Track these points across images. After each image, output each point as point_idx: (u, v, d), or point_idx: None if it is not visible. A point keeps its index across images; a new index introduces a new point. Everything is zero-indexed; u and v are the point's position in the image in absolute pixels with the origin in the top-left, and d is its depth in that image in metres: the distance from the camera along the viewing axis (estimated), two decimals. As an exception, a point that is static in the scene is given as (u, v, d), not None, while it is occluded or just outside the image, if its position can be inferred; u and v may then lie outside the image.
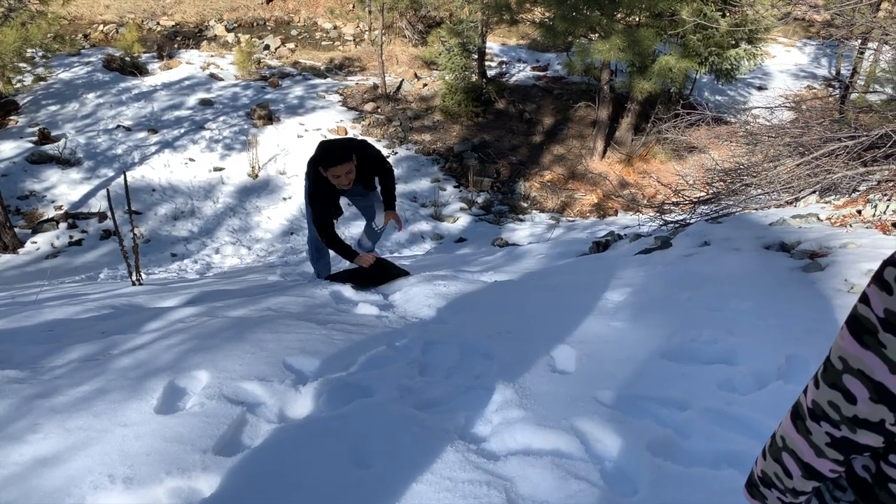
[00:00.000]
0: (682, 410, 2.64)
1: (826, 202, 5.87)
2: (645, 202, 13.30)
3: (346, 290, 4.56)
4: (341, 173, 4.40)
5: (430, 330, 3.58)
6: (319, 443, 2.36)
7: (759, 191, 6.81)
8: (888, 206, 4.82)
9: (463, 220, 13.43)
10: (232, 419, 2.48)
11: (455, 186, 14.81)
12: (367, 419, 2.53)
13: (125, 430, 2.38)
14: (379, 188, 5.00)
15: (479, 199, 14.43)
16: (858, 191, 5.89)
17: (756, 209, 6.37)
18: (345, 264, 5.51)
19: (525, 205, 14.58)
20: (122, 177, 7.36)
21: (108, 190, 7.40)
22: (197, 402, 2.61)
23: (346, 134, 15.81)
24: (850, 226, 4.73)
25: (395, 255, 11.28)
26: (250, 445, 2.36)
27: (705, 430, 2.48)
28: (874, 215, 4.85)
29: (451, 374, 3.02)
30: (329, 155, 4.39)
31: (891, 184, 5.61)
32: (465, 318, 3.78)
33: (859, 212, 5.06)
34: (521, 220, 13.90)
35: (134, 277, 6.75)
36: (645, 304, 3.86)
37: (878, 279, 0.88)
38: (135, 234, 7.13)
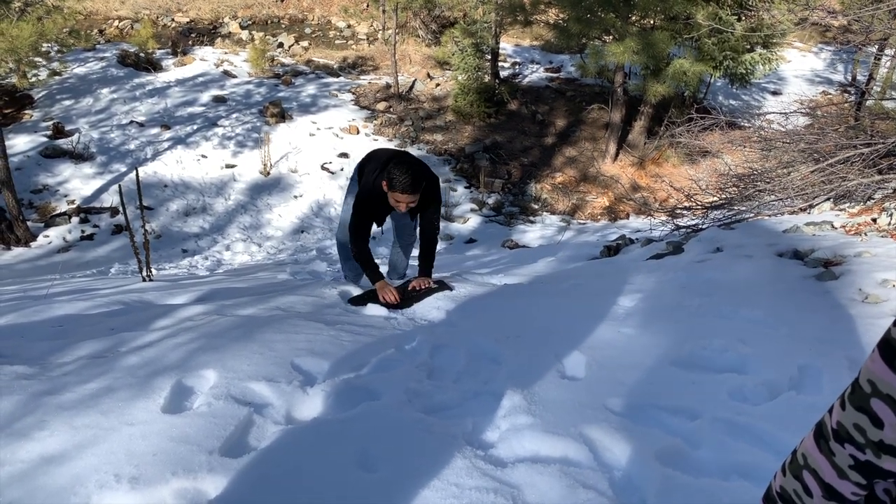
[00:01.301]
0: (692, 420, 2.61)
1: (841, 210, 5.82)
2: (657, 206, 13.25)
3: (353, 291, 4.54)
4: (404, 201, 4.08)
5: (439, 333, 3.56)
6: (326, 446, 2.35)
7: (773, 197, 6.76)
8: (904, 216, 4.77)
9: (473, 221, 13.42)
10: (239, 420, 2.47)
11: (466, 187, 14.80)
12: (374, 422, 2.51)
13: (132, 429, 2.37)
14: (418, 235, 4.67)
15: (490, 201, 14.42)
16: (874, 199, 5.84)
17: (769, 215, 6.32)
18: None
19: (536, 206, 14.56)
20: (135, 172, 7.38)
21: (119, 185, 7.43)
22: (204, 402, 2.60)
23: (357, 133, 15.83)
24: (865, 234, 4.68)
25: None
26: (257, 447, 2.35)
27: (715, 440, 2.45)
28: (890, 224, 4.80)
29: (460, 379, 3.00)
30: (402, 179, 4.00)
31: (906, 192, 5.56)
32: (473, 321, 3.76)
33: (874, 220, 5.01)
34: (532, 222, 13.87)
35: (144, 273, 6.76)
36: (655, 310, 3.83)
37: None
38: (146, 230, 7.15)
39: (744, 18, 14.44)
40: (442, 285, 4.42)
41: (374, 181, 4.29)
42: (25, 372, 2.84)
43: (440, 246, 12.32)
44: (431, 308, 4.06)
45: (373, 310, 4.08)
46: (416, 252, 4.96)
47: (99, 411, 2.48)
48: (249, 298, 4.50)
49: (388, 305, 4.17)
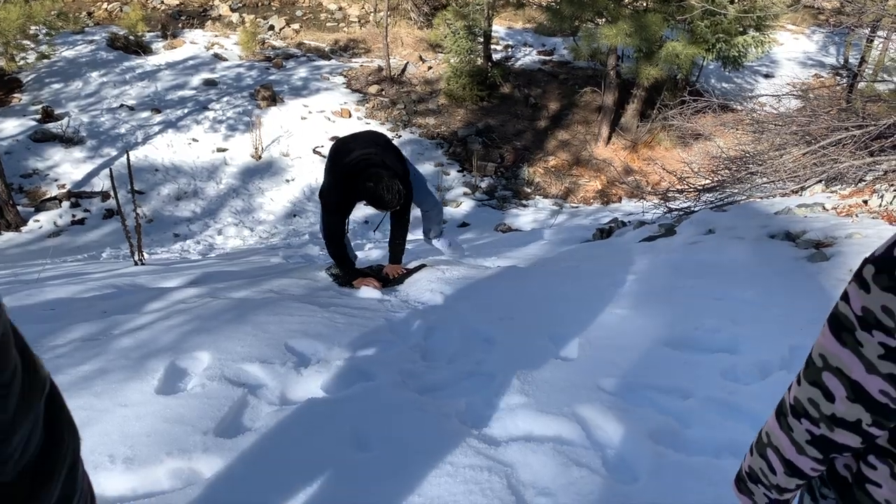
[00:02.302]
0: (685, 399, 2.63)
1: (832, 192, 5.84)
2: (649, 189, 13.26)
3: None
4: (379, 210, 4.18)
5: (433, 315, 3.57)
6: (320, 426, 2.35)
7: (765, 179, 6.78)
8: (895, 197, 4.79)
9: (466, 205, 13.40)
10: (233, 401, 2.47)
11: (459, 171, 14.76)
12: (368, 403, 2.52)
13: (126, 411, 2.37)
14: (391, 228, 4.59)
15: (483, 184, 14.39)
16: (865, 181, 5.86)
17: (761, 198, 6.34)
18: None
19: (529, 190, 14.54)
20: (126, 156, 7.34)
21: (111, 169, 7.39)
22: (198, 384, 2.60)
23: (349, 116, 15.75)
24: (857, 216, 4.70)
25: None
26: (251, 427, 2.36)
27: (707, 419, 2.47)
28: (881, 205, 4.82)
29: (453, 360, 3.01)
30: (388, 198, 4.00)
31: (898, 174, 5.57)
32: (467, 303, 3.76)
33: (865, 202, 5.03)
34: (525, 206, 13.86)
35: (136, 257, 6.74)
36: (648, 291, 3.84)
37: (858, 277, 0.88)
38: (137, 214, 7.12)
39: (736, 1, 14.40)
40: (416, 269, 4.51)
41: (347, 182, 4.15)
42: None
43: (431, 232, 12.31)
44: (425, 290, 4.06)
45: (367, 292, 4.09)
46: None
47: (92, 393, 2.48)
48: (242, 281, 4.50)
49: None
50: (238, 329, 3.10)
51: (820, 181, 6.17)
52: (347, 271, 4.38)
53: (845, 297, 0.90)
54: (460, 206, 13.35)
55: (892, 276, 0.82)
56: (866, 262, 0.88)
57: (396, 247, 4.58)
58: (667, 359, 2.97)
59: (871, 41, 15.18)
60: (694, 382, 2.73)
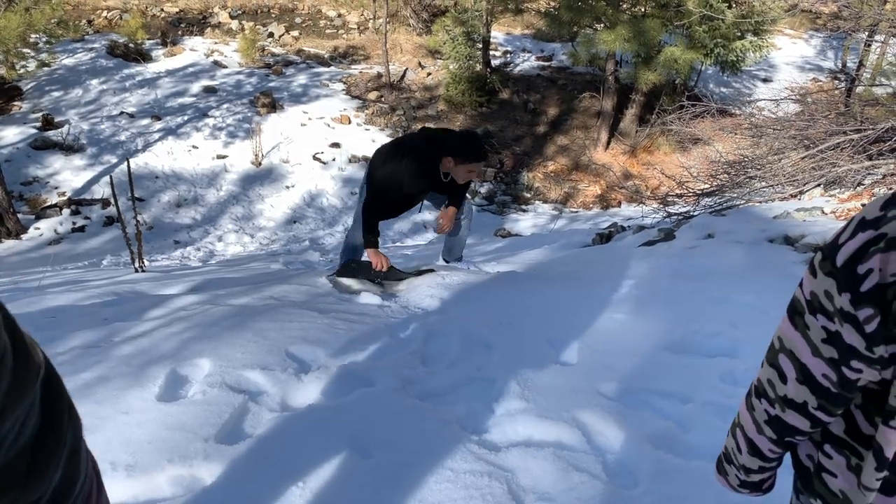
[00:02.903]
0: (684, 403, 2.64)
1: (831, 196, 5.85)
2: (648, 194, 13.29)
3: (346, 280, 4.55)
4: (476, 169, 4.16)
5: (432, 321, 3.58)
6: (320, 432, 2.36)
7: (764, 183, 6.80)
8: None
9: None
10: (234, 407, 2.48)
11: (458, 176, 14.78)
12: (368, 409, 2.53)
13: (127, 418, 2.38)
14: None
15: (482, 190, 14.42)
16: (864, 185, 5.88)
17: (760, 202, 6.36)
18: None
19: (528, 195, 14.57)
20: (126, 163, 7.36)
21: (111, 177, 7.40)
22: (199, 390, 2.61)
23: (349, 123, 15.78)
24: (855, 220, 4.70)
25: (398, 244, 11.29)
26: (252, 434, 2.36)
27: (707, 423, 2.48)
28: (879, 209, 4.82)
29: (453, 365, 3.02)
30: (479, 150, 4.10)
31: (896, 178, 5.59)
32: (466, 308, 3.77)
33: (864, 206, 5.04)
34: (525, 211, 13.89)
35: (137, 264, 6.75)
36: (647, 296, 3.85)
37: (810, 264, 0.91)
38: (138, 222, 7.14)
39: (734, 6, 14.43)
40: (424, 272, 4.50)
41: (426, 155, 4.18)
42: (19, 362, 2.84)
43: (433, 234, 12.35)
44: (425, 296, 4.07)
45: (367, 298, 4.09)
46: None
47: (94, 400, 2.49)
48: (243, 288, 4.51)
49: (374, 277, 4.39)
50: (238, 336, 3.10)
51: (818, 185, 6.18)
52: (371, 237, 4.25)
53: (800, 282, 0.92)
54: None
55: (834, 262, 0.84)
56: (817, 248, 0.90)
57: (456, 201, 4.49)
58: (666, 363, 2.98)
59: (869, 45, 15.22)
60: (693, 387, 2.73)
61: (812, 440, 1.05)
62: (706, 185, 7.99)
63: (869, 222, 0.82)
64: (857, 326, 0.83)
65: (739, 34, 14.39)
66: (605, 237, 7.22)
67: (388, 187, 4.22)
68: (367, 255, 4.39)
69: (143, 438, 2.27)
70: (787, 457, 1.12)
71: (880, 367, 0.85)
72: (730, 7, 14.20)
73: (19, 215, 11.13)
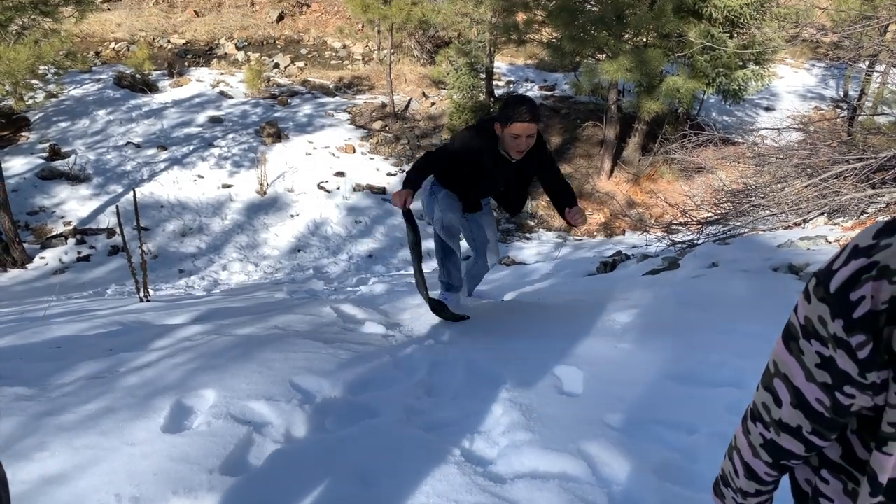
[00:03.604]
0: (690, 434, 2.62)
1: (835, 224, 5.85)
2: (652, 222, 13.29)
3: (351, 309, 4.55)
4: (522, 133, 3.59)
5: (437, 350, 3.58)
6: (325, 463, 2.35)
7: (768, 212, 6.80)
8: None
9: (470, 239, 13.44)
10: (239, 439, 2.47)
11: (462, 205, 14.83)
12: (372, 440, 2.52)
13: (132, 449, 2.38)
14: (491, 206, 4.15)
15: (487, 218, 14.45)
16: (867, 213, 5.88)
17: (764, 230, 6.36)
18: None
19: (532, 223, 14.59)
20: (132, 193, 7.40)
21: (117, 206, 7.44)
22: (204, 422, 2.61)
23: (353, 152, 15.87)
24: (859, 248, 4.70)
25: (402, 272, 11.29)
26: (256, 465, 2.36)
27: (713, 454, 2.46)
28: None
29: (458, 396, 3.01)
30: (518, 108, 3.56)
31: (899, 206, 5.60)
32: (471, 338, 3.77)
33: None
34: (529, 239, 13.90)
35: (142, 294, 6.76)
36: (652, 325, 3.85)
37: (805, 289, 0.92)
38: (143, 251, 7.16)
39: (736, 36, 14.56)
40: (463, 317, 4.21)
41: (477, 129, 3.90)
42: (25, 393, 2.84)
43: (435, 265, 12.37)
44: (428, 325, 4.08)
45: (371, 327, 4.10)
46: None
47: (99, 432, 2.49)
48: (247, 318, 4.51)
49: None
50: (243, 367, 3.11)
51: (822, 213, 6.19)
52: (411, 180, 3.89)
53: (795, 308, 0.94)
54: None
55: (828, 288, 0.86)
56: (813, 274, 0.91)
57: (565, 196, 4.15)
58: (672, 393, 2.97)
59: (870, 75, 15.30)
60: (699, 417, 2.72)
61: (809, 464, 1.05)
62: (710, 214, 8.00)
63: (862, 250, 0.84)
64: (850, 352, 0.84)
65: (741, 63, 14.50)
66: (609, 265, 7.22)
67: (447, 149, 4.00)
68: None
69: (149, 470, 2.26)
70: (786, 480, 1.12)
71: (873, 392, 0.86)
72: (731, 37, 14.33)
73: (25, 245, 11.18)
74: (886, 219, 0.87)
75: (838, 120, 15.51)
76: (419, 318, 4.23)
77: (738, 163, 9.47)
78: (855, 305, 0.82)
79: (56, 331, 4.56)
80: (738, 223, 6.91)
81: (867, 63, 14.24)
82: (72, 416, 2.62)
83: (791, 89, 20.92)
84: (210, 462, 2.32)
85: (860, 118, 14.59)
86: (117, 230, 11.33)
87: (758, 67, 14.58)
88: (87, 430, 2.49)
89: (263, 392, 2.84)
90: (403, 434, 2.57)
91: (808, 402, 0.91)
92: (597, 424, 2.69)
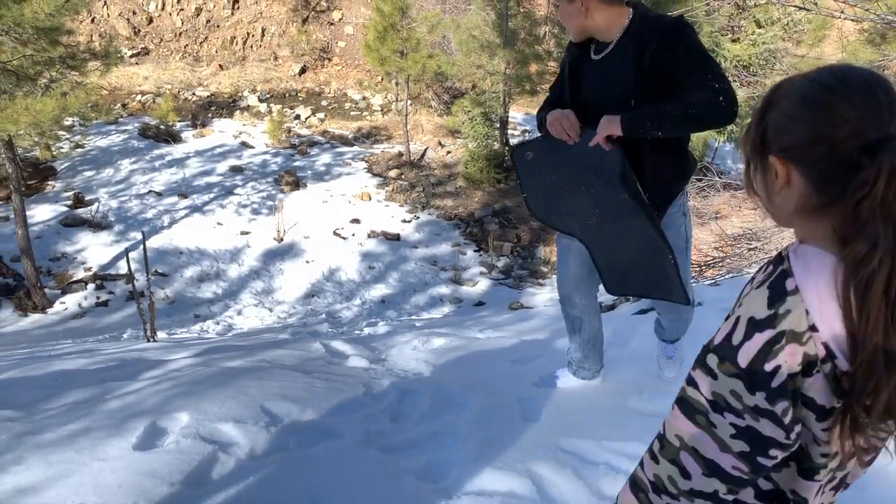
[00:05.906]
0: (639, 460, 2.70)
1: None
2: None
3: (341, 345, 4.69)
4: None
5: (409, 379, 3.70)
6: (280, 480, 2.48)
7: (763, 254, 6.88)
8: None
9: (483, 284, 13.57)
10: (203, 456, 2.61)
11: (475, 251, 15.02)
12: (329, 460, 2.64)
13: (102, 464, 2.52)
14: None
15: (500, 264, 14.60)
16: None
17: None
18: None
19: (545, 269, 14.70)
20: (142, 241, 7.67)
21: (127, 251, 7.71)
22: (173, 440, 2.75)
23: (369, 200, 16.18)
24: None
25: (413, 316, 11.42)
26: (217, 480, 2.48)
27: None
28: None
29: (422, 421, 3.12)
30: None
31: None
32: (446, 370, 3.89)
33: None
34: (542, 285, 13.99)
35: (149, 334, 6.96)
36: (625, 358, 3.94)
37: (703, 365, 0.95)
38: (151, 293, 7.39)
39: (746, 85, 14.75)
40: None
41: None
42: (11, 416, 3.01)
43: (449, 308, 12.45)
44: (410, 359, 4.20)
45: (355, 361, 4.22)
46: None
47: (74, 449, 2.64)
48: (239, 352, 4.67)
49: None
50: (220, 392, 3.25)
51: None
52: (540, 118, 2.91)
53: (693, 382, 0.97)
54: (476, 285, 13.51)
55: (735, 363, 0.90)
56: (707, 350, 0.95)
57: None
58: (630, 421, 3.06)
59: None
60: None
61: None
62: (709, 258, 8.09)
63: (762, 322, 0.89)
64: (775, 420, 0.88)
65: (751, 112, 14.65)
66: (609, 307, 7.31)
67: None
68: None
69: (114, 482, 2.40)
70: None
71: (793, 444, 0.92)
72: (741, 87, 14.52)
73: (46, 290, 11.50)
74: (766, 285, 0.94)
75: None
76: (402, 352, 4.36)
77: (740, 209, 9.57)
78: (772, 375, 0.87)
79: (58, 365, 4.74)
80: (733, 264, 6.99)
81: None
82: (51, 434, 2.77)
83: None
84: (174, 476, 2.46)
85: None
86: (131, 276, 11.61)
87: (768, 115, 14.72)
88: (64, 448, 2.64)
89: (234, 415, 2.98)
90: (360, 455, 2.69)
91: (724, 470, 0.94)
92: (551, 448, 2.79)
